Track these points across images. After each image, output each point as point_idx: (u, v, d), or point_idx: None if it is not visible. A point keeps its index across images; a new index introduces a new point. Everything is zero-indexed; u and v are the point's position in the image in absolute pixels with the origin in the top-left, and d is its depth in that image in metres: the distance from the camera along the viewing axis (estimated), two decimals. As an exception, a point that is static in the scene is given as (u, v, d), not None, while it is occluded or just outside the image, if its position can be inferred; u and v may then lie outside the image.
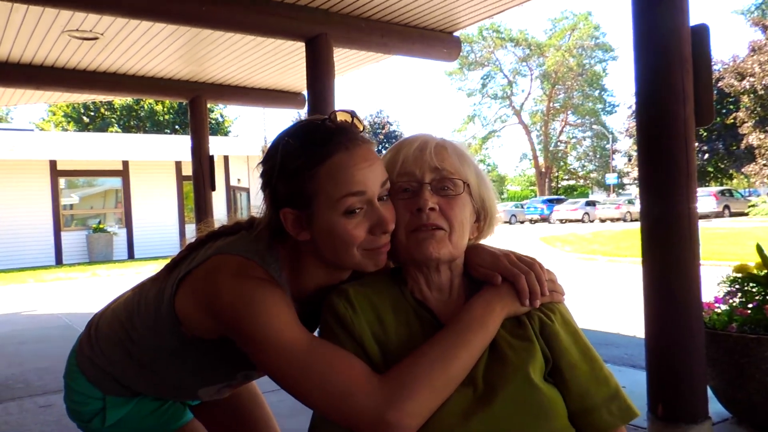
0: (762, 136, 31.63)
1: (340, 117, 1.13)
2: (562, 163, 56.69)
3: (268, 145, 1.22)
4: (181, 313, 1.22)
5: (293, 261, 1.22)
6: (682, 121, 2.68)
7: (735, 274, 3.08)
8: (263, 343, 1.07)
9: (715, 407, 2.91)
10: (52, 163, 17.21)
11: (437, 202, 1.10)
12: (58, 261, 17.22)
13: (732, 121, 34.54)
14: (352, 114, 1.15)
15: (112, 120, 38.39)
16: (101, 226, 17.78)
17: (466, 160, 1.16)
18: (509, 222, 34.43)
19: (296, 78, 7.13)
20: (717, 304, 3.12)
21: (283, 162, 1.12)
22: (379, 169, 1.12)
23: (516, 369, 1.03)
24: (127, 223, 18.31)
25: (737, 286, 3.06)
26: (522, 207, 37.91)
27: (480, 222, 1.20)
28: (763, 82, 30.66)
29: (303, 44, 4.93)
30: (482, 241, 1.23)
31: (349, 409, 1.00)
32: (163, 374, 1.36)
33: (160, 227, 18.16)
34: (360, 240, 1.11)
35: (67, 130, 36.25)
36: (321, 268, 1.21)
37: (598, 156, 55.03)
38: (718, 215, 28.55)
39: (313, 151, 1.10)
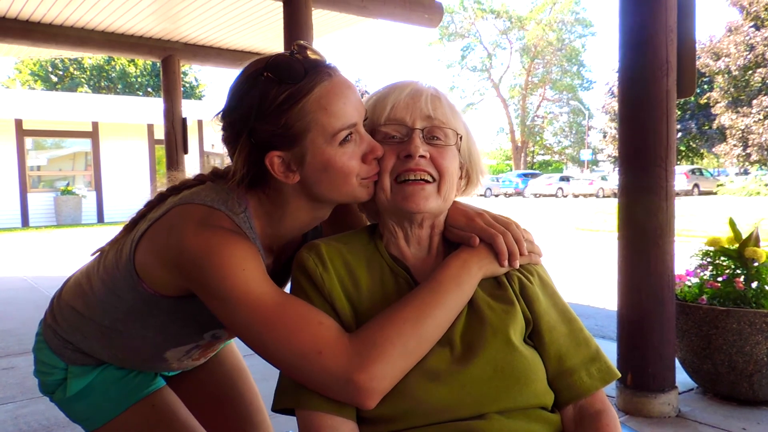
0: (734, 116, 32.20)
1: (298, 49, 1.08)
2: (538, 138, 57.00)
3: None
4: (142, 269, 1.15)
5: (270, 208, 1.15)
6: (664, 91, 2.66)
7: (707, 248, 3.11)
8: (228, 297, 1.00)
9: (681, 377, 2.96)
10: (18, 122, 16.65)
11: (427, 150, 1.05)
12: (25, 223, 16.81)
13: (705, 101, 35.06)
14: (306, 46, 1.09)
15: (82, 80, 37.22)
16: (69, 188, 17.34)
17: (457, 112, 1.11)
18: (484, 195, 34.65)
19: (273, 40, 6.94)
20: (688, 277, 3.16)
21: (263, 100, 1.03)
22: (357, 93, 1.09)
23: (495, 330, 1.00)
24: (97, 186, 17.90)
25: (709, 259, 3.09)
26: (497, 180, 38.14)
27: (463, 178, 1.15)
28: (738, 63, 31.08)
29: (281, 3, 4.78)
30: (460, 199, 1.18)
31: (315, 369, 0.95)
32: (125, 338, 1.29)
33: (131, 191, 17.78)
34: (357, 170, 1.06)
35: (34, 89, 35.08)
36: (304, 209, 1.15)
37: (573, 132, 55.46)
38: (688, 193, 29.12)
39: (297, 83, 1.03)
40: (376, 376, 0.93)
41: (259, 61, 1.08)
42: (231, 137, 1.09)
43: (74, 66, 36.99)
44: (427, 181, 1.04)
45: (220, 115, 1.11)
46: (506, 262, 1.05)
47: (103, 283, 1.25)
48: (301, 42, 1.09)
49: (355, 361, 0.93)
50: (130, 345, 1.32)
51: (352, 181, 1.07)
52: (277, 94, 1.03)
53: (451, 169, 1.06)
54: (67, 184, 17.55)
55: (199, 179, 1.22)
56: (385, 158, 1.06)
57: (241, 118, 1.06)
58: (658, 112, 2.68)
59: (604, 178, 33.98)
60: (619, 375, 1.06)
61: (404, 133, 1.06)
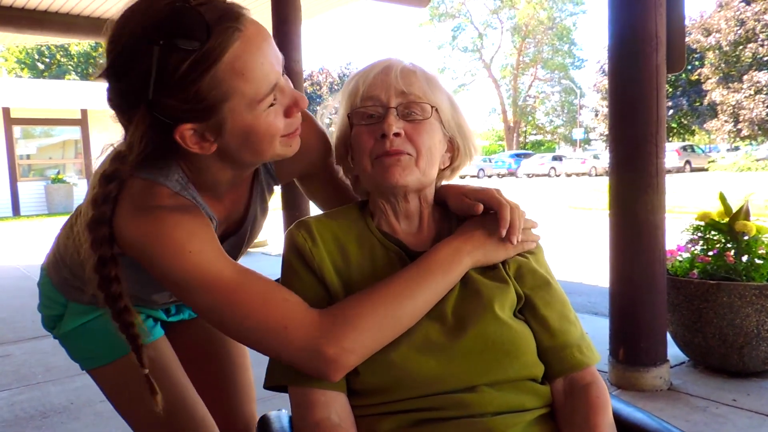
0: (725, 92, 32.25)
1: None
2: (530, 118, 56.91)
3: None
4: None
5: (194, 175, 1.07)
6: (654, 66, 2.66)
7: (697, 222, 3.13)
8: (180, 281, 0.95)
9: (672, 351, 2.99)
10: (6, 111, 16.46)
11: (403, 128, 1.04)
12: (16, 212, 16.70)
13: (696, 77, 35.08)
14: None
15: (69, 67, 36.83)
16: (60, 176, 17.22)
17: (436, 85, 1.10)
18: (477, 176, 34.65)
19: (261, 21, 6.87)
20: (679, 252, 3.18)
21: (162, 70, 0.86)
22: (271, 41, 0.96)
23: (487, 305, 1.01)
24: (88, 174, 17.76)
25: (699, 234, 3.11)
26: (490, 161, 38.12)
27: (453, 152, 1.14)
28: (729, 38, 31.05)
29: (268, -16, 4.72)
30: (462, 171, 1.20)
31: (282, 344, 0.93)
32: None
33: (122, 178, 17.65)
34: (281, 129, 1.01)
35: (20, 77, 34.67)
36: (228, 169, 1.07)
37: (565, 111, 55.39)
38: (680, 170, 29.20)
39: (203, 48, 0.86)
40: (345, 350, 0.92)
41: (141, 14, 0.88)
42: (121, 105, 0.94)
43: (61, 53, 36.58)
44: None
45: (104, 76, 0.93)
46: (504, 231, 1.04)
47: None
48: None
49: (324, 334, 0.92)
50: None
51: (275, 142, 1.01)
52: (179, 63, 0.86)
53: (429, 144, 1.05)
54: (58, 173, 17.42)
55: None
56: (363, 139, 1.05)
57: (134, 90, 0.89)
58: (648, 88, 2.68)
59: (596, 157, 33.99)
60: (600, 358, 1.09)
61: (381, 111, 1.05)
